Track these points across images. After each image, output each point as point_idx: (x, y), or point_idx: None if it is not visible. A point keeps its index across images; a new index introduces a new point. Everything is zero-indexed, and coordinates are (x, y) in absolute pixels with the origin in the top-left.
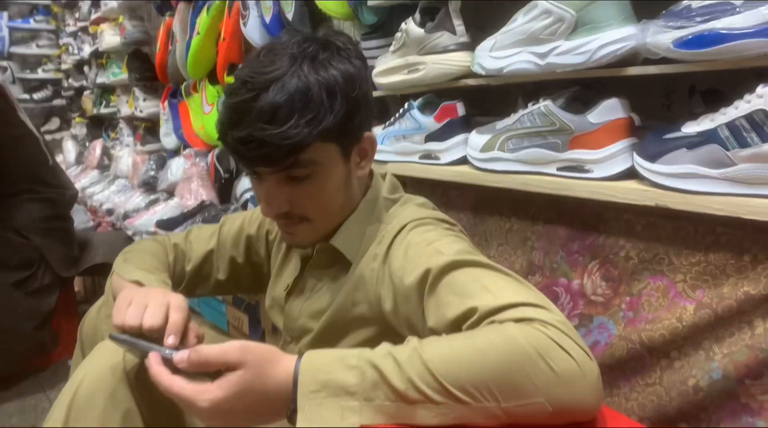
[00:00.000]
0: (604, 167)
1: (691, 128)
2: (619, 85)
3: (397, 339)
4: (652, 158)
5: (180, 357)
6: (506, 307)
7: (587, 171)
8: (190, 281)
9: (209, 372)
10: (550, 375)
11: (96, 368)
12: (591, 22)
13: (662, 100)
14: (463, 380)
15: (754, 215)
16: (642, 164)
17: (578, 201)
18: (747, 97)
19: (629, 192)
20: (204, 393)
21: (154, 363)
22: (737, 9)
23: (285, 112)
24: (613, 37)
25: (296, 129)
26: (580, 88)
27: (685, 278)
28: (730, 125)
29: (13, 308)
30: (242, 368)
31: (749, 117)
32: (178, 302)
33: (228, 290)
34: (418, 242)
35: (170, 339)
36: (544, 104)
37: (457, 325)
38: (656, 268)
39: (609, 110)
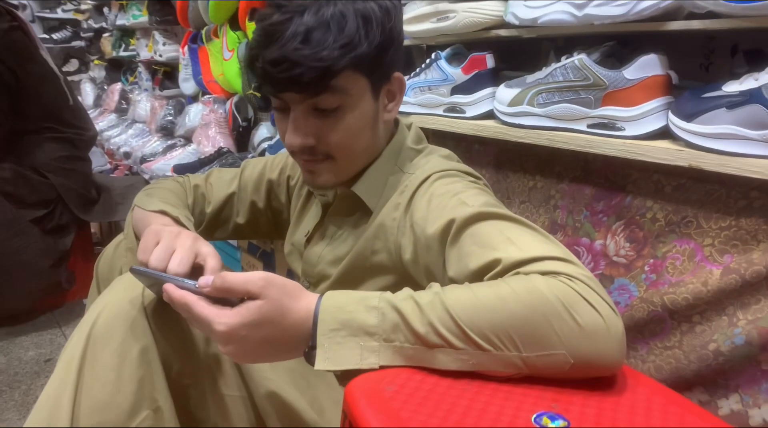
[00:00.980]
0: (638, 125)
1: (733, 87)
2: (656, 42)
3: (416, 288)
4: (689, 117)
5: (205, 281)
6: (531, 260)
7: (619, 129)
8: (210, 223)
9: (232, 301)
10: (573, 327)
11: (115, 300)
12: None
13: (701, 59)
14: (485, 327)
15: None
16: (677, 124)
17: (606, 160)
18: None
19: (662, 152)
20: (222, 316)
21: (176, 289)
22: None
23: (320, 34)
24: None
25: (330, 51)
26: (616, 44)
27: (713, 243)
28: None
29: (31, 245)
30: (263, 298)
31: None
32: (209, 249)
33: (247, 235)
34: (442, 193)
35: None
36: (579, 58)
37: (479, 276)
38: (684, 231)
39: (647, 66)
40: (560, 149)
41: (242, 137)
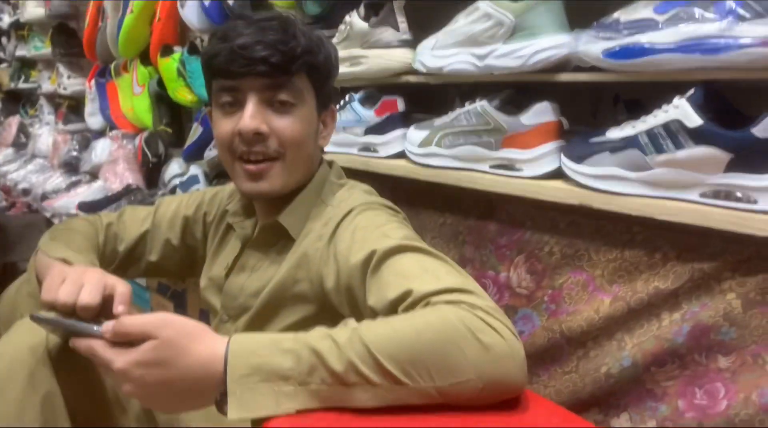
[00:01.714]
0: (534, 166)
1: (614, 134)
2: (550, 90)
3: (336, 318)
4: (578, 159)
5: (106, 326)
6: (441, 291)
7: (518, 169)
8: (122, 262)
9: (135, 344)
10: (481, 350)
11: (14, 347)
12: (528, 28)
13: (589, 107)
14: (402, 359)
15: (666, 216)
16: (569, 165)
17: (508, 198)
18: (665, 107)
19: (556, 191)
20: (119, 355)
21: (80, 340)
22: (660, 26)
23: (289, 32)
24: (548, 44)
25: (297, 46)
26: (515, 91)
27: (603, 273)
28: (649, 133)
29: None
30: (157, 338)
31: (666, 126)
32: (116, 279)
33: (160, 273)
34: (365, 225)
35: (120, 308)
36: (480, 104)
37: (395, 304)
38: (577, 264)
39: (540, 113)
40: (466, 188)
41: (152, 174)
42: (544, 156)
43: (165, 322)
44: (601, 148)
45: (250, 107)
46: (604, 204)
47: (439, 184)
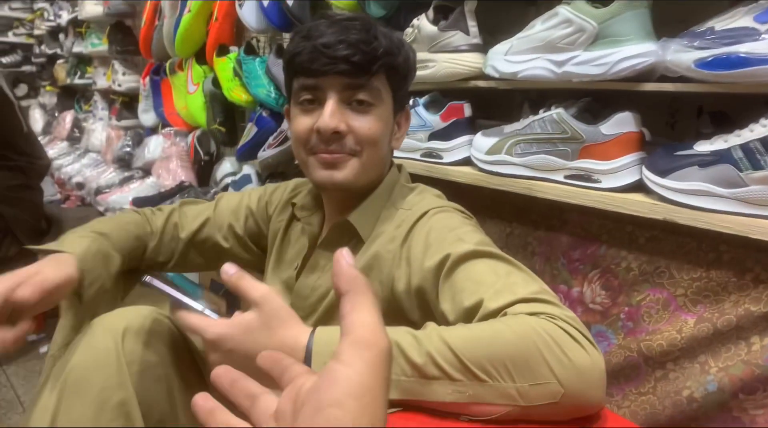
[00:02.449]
0: (614, 178)
1: (703, 147)
2: (626, 100)
3: (402, 323)
4: (663, 173)
5: (229, 266)
6: (518, 302)
7: (596, 181)
8: (185, 249)
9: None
10: (564, 360)
11: (93, 346)
12: (612, 35)
13: (666, 118)
14: (481, 357)
15: (762, 236)
16: (652, 178)
17: (581, 210)
18: (763, 121)
19: (638, 205)
20: (212, 325)
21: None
22: (761, 35)
23: (371, 33)
24: (635, 51)
25: (378, 47)
26: (592, 100)
27: (685, 293)
28: (744, 147)
29: None
30: (256, 311)
31: (764, 140)
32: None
33: (223, 258)
34: (439, 227)
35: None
36: (557, 112)
37: (470, 312)
38: (657, 281)
39: (622, 123)
40: (535, 198)
41: (203, 172)
42: (624, 168)
43: (268, 296)
44: (689, 162)
45: (330, 105)
46: (691, 220)
47: (507, 193)
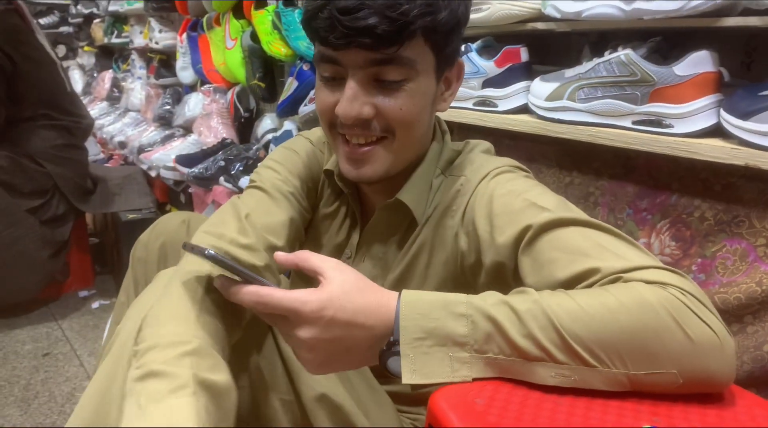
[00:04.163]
0: (688, 122)
1: None
2: (697, 39)
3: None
4: (745, 115)
5: (281, 255)
6: (634, 269)
7: (667, 126)
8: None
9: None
10: (686, 343)
11: (168, 300)
12: None
13: (741, 57)
14: (591, 340)
15: None
16: (732, 122)
17: (649, 157)
18: None
19: (716, 150)
20: (310, 295)
21: (251, 290)
22: None
23: None
24: None
25: (411, 6)
26: (662, 39)
27: (767, 243)
28: None
29: (28, 235)
30: (340, 277)
31: None
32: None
33: None
34: (503, 192)
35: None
36: (625, 53)
37: (570, 285)
38: (734, 231)
39: (698, 63)
40: (600, 145)
41: (244, 129)
42: (700, 111)
43: (344, 264)
44: None
45: (351, 87)
46: None
47: (568, 140)
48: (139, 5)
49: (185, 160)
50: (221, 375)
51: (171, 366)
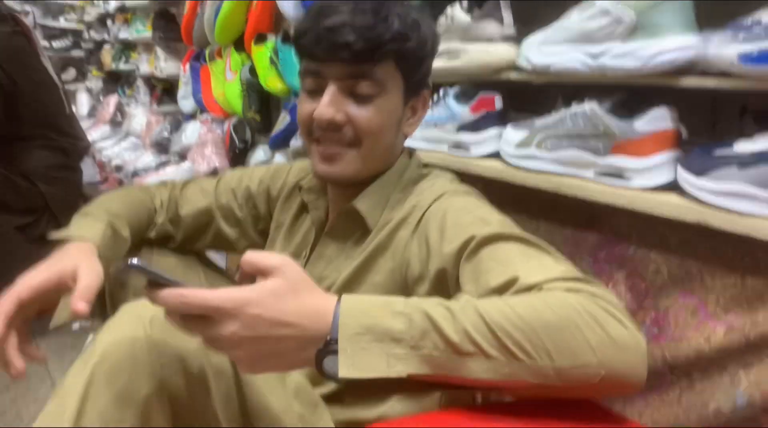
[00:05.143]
0: (646, 176)
1: (744, 147)
2: (664, 96)
3: None
4: (699, 173)
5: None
6: (553, 280)
7: (627, 179)
8: (188, 230)
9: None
10: (605, 338)
11: (122, 335)
12: (651, 27)
13: (708, 116)
14: (519, 335)
15: None
16: (687, 178)
17: (611, 209)
18: None
19: (671, 206)
20: (232, 292)
21: (171, 293)
22: None
23: (382, 15)
24: (674, 44)
25: (385, 31)
26: (626, 94)
27: (717, 300)
28: None
29: (13, 252)
30: (280, 276)
31: None
32: (85, 271)
33: (225, 246)
34: (456, 209)
35: (79, 304)
36: (590, 106)
37: (498, 293)
38: (687, 286)
39: (657, 119)
40: (565, 195)
41: (238, 159)
42: (658, 166)
43: (287, 261)
44: (728, 162)
45: (328, 94)
46: (727, 224)
47: (535, 188)
48: (147, 34)
49: None
50: None
51: None
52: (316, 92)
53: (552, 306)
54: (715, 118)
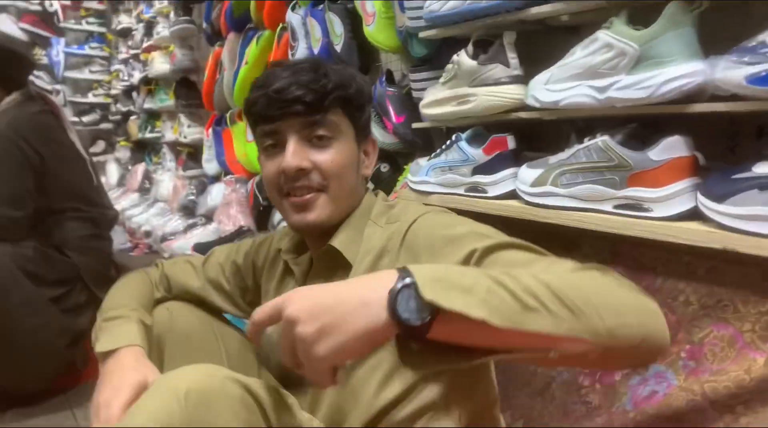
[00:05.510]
0: (666, 206)
1: (764, 169)
2: (679, 124)
3: None
4: (719, 198)
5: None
6: (571, 270)
7: (646, 210)
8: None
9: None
10: (637, 301)
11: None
12: (655, 57)
13: (725, 141)
14: (572, 294)
15: None
16: (708, 205)
17: (635, 241)
18: None
19: (693, 234)
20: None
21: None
22: None
23: (322, 69)
24: (679, 72)
25: (328, 83)
26: (639, 125)
27: (753, 328)
28: None
29: (48, 324)
30: (294, 299)
31: None
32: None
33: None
34: (444, 225)
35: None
36: (602, 140)
37: None
38: (720, 315)
39: (672, 148)
40: (586, 230)
41: (262, 217)
42: (677, 195)
43: (295, 291)
44: (748, 185)
45: (291, 145)
46: (755, 249)
47: (556, 225)
48: (171, 102)
49: (202, 247)
50: None
51: None
52: (276, 149)
53: (584, 278)
54: (734, 141)
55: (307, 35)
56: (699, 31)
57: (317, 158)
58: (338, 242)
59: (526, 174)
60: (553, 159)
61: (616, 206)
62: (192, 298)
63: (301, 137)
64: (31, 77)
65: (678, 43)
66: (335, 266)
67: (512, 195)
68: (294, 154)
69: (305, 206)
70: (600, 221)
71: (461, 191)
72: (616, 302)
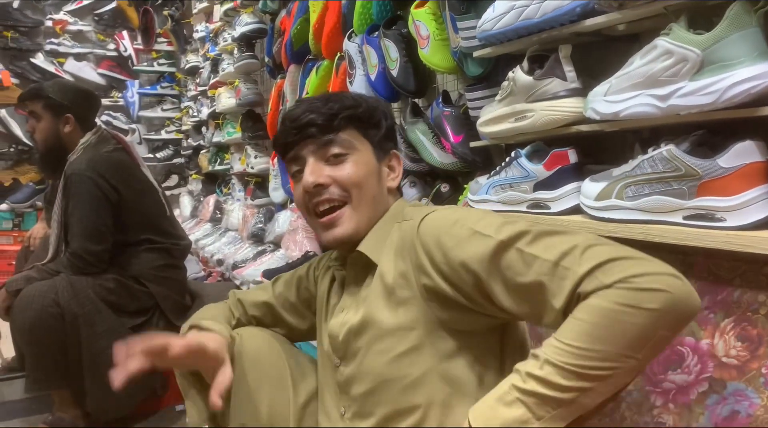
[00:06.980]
0: (740, 215)
1: None
2: (750, 128)
3: (453, 301)
4: None
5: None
6: (586, 274)
7: (719, 220)
8: (253, 322)
9: None
10: (653, 315)
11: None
12: (720, 61)
13: None
14: (592, 366)
15: None
16: None
17: (708, 252)
18: None
19: None
20: None
21: None
22: None
23: (333, 98)
24: (747, 74)
25: (337, 107)
26: (706, 132)
27: None
28: None
29: None
30: None
31: None
32: (222, 369)
33: (294, 336)
34: (462, 217)
35: (214, 398)
36: (667, 149)
37: (556, 264)
38: None
39: (743, 153)
40: (656, 243)
41: None
42: (751, 202)
43: None
44: None
45: (310, 165)
46: None
47: (624, 239)
48: (238, 135)
49: (271, 273)
50: None
51: None
52: (301, 175)
53: (597, 322)
54: None
55: (364, 62)
56: (764, 31)
57: (335, 174)
58: (364, 246)
59: (590, 188)
60: (616, 171)
61: (687, 217)
62: (263, 315)
63: (318, 157)
64: (108, 118)
65: (744, 45)
66: (365, 269)
67: (576, 210)
68: (312, 172)
69: (332, 224)
70: (669, 232)
71: (523, 208)
72: (633, 330)
